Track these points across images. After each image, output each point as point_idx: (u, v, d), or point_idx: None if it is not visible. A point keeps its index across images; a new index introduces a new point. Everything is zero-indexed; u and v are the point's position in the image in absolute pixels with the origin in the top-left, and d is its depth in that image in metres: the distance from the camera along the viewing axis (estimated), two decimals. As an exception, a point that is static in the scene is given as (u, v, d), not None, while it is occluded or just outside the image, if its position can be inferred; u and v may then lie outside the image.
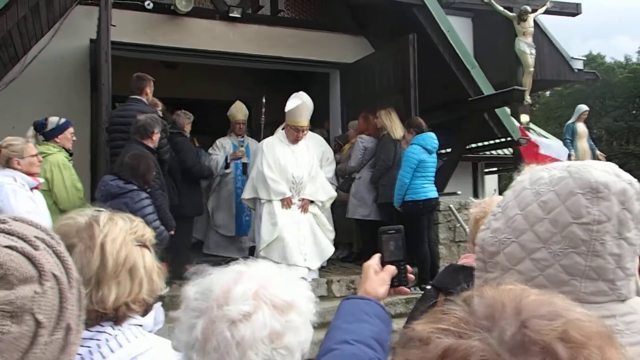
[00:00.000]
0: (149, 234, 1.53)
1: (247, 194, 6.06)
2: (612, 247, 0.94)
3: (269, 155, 5.88)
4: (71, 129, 5.18)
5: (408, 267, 1.43)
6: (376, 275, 1.39)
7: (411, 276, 1.44)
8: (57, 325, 0.75)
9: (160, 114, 6.20)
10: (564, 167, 0.99)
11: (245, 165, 7.13)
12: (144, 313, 1.49)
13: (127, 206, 4.32)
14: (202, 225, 7.41)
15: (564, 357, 0.54)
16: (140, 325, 1.45)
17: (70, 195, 4.86)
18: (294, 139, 6.04)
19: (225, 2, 7.83)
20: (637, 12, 61.18)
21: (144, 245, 1.49)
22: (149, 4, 7.20)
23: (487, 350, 0.54)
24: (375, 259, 1.42)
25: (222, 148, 7.31)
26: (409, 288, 1.44)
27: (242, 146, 7.34)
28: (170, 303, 5.04)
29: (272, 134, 6.44)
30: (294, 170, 5.90)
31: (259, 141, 6.60)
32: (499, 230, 1.01)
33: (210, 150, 7.37)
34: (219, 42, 7.73)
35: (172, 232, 4.97)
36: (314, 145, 6.36)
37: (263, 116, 7.15)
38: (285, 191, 5.88)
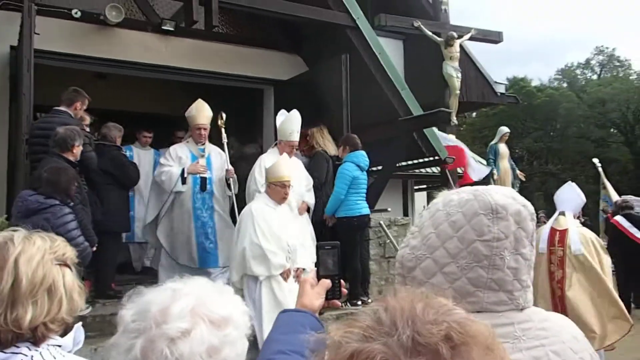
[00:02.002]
0: (70, 253, 1.50)
1: (236, 275, 5.06)
2: (510, 262, 1.07)
3: (261, 224, 4.99)
4: None
5: (342, 281, 1.53)
6: (312, 289, 1.48)
7: (344, 290, 1.54)
8: None
9: (87, 127, 6.04)
10: (471, 190, 1.12)
11: (204, 180, 6.13)
12: (64, 333, 1.47)
13: (48, 222, 4.18)
14: (157, 253, 6.51)
15: (446, 356, 0.63)
16: (59, 346, 1.42)
17: None
18: (289, 153, 5.94)
19: (158, 14, 7.74)
20: (549, 42, 66.19)
21: (64, 264, 1.46)
22: (76, 13, 6.99)
23: (388, 352, 0.63)
24: (312, 273, 1.52)
25: (178, 159, 6.13)
26: (342, 303, 1.52)
27: (202, 156, 6.21)
28: (92, 322, 4.90)
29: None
30: (288, 238, 5.11)
31: (224, 150, 6.30)
32: (416, 247, 1.12)
33: (162, 161, 6.25)
34: (151, 55, 7.62)
35: (94, 249, 4.83)
36: (297, 184, 5.82)
37: (225, 135, 6.35)
38: (285, 263, 5.07)
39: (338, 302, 1.52)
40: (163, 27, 7.55)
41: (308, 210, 6.23)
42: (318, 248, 1.54)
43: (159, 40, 7.70)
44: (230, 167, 6.25)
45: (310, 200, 6.14)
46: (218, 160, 6.30)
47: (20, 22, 5.84)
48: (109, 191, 5.94)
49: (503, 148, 9.83)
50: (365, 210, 6.43)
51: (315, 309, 1.45)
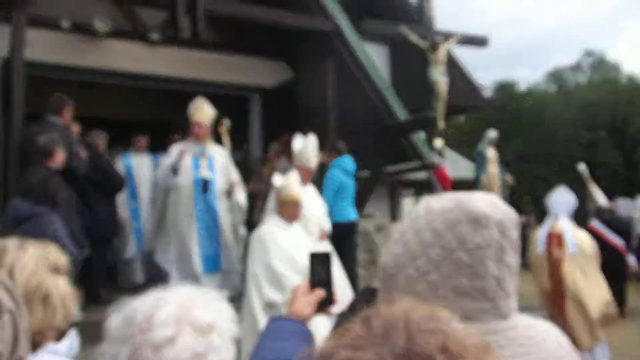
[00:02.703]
0: (63, 260, 1.52)
1: (258, 303, 4.46)
2: (493, 270, 1.06)
3: (276, 248, 4.57)
4: None
5: (334, 290, 1.52)
6: (304, 297, 1.47)
7: (335, 299, 1.52)
8: (12, 357, 0.77)
9: (74, 135, 6.05)
10: (452, 198, 1.11)
11: (206, 182, 5.95)
12: (58, 339, 1.48)
13: (38, 229, 4.17)
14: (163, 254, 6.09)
15: None
16: (55, 353, 1.44)
17: None
18: (306, 179, 5.66)
19: (145, 24, 7.75)
20: (533, 46, 66.58)
21: (58, 271, 1.48)
22: (65, 24, 7.01)
23: None
24: (304, 282, 1.51)
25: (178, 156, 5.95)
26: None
27: (203, 155, 6.04)
28: (85, 328, 4.87)
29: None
30: (301, 259, 4.53)
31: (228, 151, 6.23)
32: (397, 255, 1.11)
33: (162, 159, 6.25)
34: (138, 64, 7.64)
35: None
36: (316, 210, 5.66)
37: (228, 144, 6.28)
38: None
39: (330, 311, 1.52)
40: (150, 37, 7.57)
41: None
42: (310, 257, 1.53)
43: (145, 50, 7.72)
44: (236, 179, 6.11)
45: (327, 226, 5.82)
46: (220, 161, 6.14)
47: (10, 33, 5.83)
48: (96, 197, 5.95)
49: (491, 152, 9.88)
50: (354, 215, 6.44)
51: (306, 317, 1.44)
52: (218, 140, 6.53)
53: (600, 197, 9.90)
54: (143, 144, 7.48)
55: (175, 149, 6.01)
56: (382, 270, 1.14)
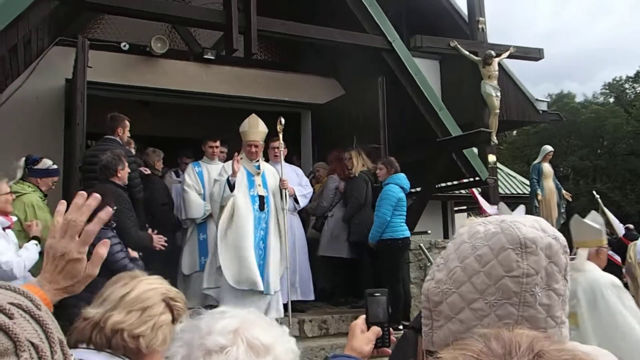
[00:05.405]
0: (181, 305, 1.70)
1: None
2: (542, 298, 1.02)
3: None
4: (56, 178, 5.23)
5: (391, 329, 1.55)
6: (362, 334, 1.50)
7: (393, 338, 1.54)
8: None
9: (133, 152, 6.25)
10: (498, 222, 1.08)
11: (262, 198, 5.92)
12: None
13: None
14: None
15: None
16: None
17: (46, 236, 4.83)
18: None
19: (200, 44, 8.00)
20: (582, 59, 64.64)
21: (170, 307, 1.66)
22: (125, 45, 7.34)
23: None
24: (361, 319, 1.53)
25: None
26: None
27: (257, 173, 6.02)
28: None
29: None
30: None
31: (280, 156, 6.23)
32: (441, 281, 1.09)
33: (216, 177, 6.06)
34: (192, 83, 7.87)
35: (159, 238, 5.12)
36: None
37: (282, 142, 6.24)
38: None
39: (389, 350, 1.52)
40: (205, 56, 7.81)
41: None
42: (367, 295, 1.55)
43: (200, 69, 7.95)
44: (285, 177, 6.14)
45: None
46: (272, 179, 6.15)
47: (75, 57, 6.14)
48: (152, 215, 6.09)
49: (547, 167, 9.62)
50: (407, 232, 6.41)
51: (365, 354, 1.47)
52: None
53: (615, 223, 9.41)
54: (215, 151, 6.99)
55: (228, 166, 5.91)
56: (425, 297, 1.12)
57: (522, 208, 4.76)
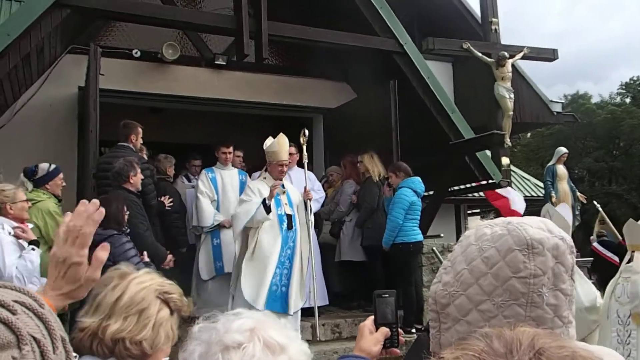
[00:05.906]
0: (176, 298, 1.68)
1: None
2: (549, 298, 1.03)
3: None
4: (61, 175, 5.27)
5: (400, 330, 1.56)
6: (371, 335, 1.51)
7: (402, 339, 1.56)
8: None
9: (146, 158, 6.29)
10: (504, 224, 1.08)
11: (290, 217, 5.89)
12: None
13: (109, 252, 4.34)
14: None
15: None
16: None
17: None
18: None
19: (211, 50, 8.04)
20: (595, 59, 63.91)
21: (165, 301, 1.64)
22: (136, 53, 7.40)
23: None
24: (370, 320, 1.55)
25: (259, 193, 5.74)
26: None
27: (283, 192, 5.96)
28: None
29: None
30: None
31: (303, 168, 6.24)
32: (449, 283, 1.09)
33: (243, 197, 5.88)
34: (204, 89, 7.91)
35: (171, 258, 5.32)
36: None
37: (305, 154, 6.25)
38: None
39: (397, 351, 1.54)
40: (216, 62, 7.84)
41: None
42: (376, 296, 1.56)
43: (211, 74, 7.99)
44: (294, 182, 6.18)
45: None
46: (296, 196, 6.11)
47: (87, 65, 6.20)
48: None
49: (561, 169, 9.53)
50: (420, 236, 6.39)
51: (374, 355, 1.48)
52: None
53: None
54: (228, 157, 6.97)
55: (254, 187, 5.85)
56: (433, 299, 1.12)
57: (564, 205, 4.74)
